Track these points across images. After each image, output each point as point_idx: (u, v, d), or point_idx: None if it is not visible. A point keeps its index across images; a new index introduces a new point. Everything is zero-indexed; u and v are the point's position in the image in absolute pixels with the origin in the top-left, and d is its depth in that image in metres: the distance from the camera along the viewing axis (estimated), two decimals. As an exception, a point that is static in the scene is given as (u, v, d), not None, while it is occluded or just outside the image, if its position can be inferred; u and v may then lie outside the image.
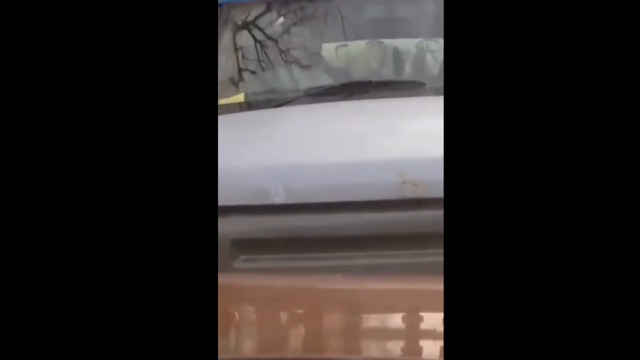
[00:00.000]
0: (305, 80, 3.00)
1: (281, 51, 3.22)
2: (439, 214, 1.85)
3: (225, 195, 1.47)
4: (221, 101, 3.02)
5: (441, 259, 1.87)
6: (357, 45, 4.09)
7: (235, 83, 3.12)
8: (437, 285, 1.61)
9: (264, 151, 1.99)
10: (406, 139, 1.98)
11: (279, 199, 1.79)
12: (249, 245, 1.74)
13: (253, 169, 1.78)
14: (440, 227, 1.94)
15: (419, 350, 1.40)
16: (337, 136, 2.08)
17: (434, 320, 1.53)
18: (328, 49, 3.92)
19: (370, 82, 2.95)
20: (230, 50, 3.24)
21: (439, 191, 1.84)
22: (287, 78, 3.07)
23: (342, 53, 4.12)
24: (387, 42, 3.76)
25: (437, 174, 1.83)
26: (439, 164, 1.88)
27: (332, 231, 1.80)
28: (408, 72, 3.34)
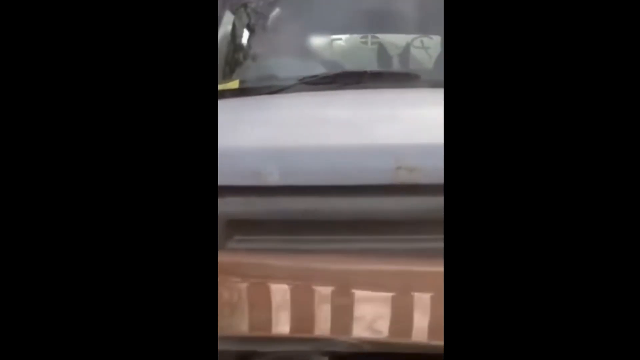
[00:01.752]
0: (300, 70, 3.01)
1: (276, 40, 3.23)
2: (433, 200, 1.86)
3: (221, 176, 1.47)
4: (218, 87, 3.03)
5: (435, 244, 1.88)
6: (352, 39, 4.11)
7: (231, 69, 3.13)
8: (431, 267, 1.63)
9: (260, 133, 1.99)
10: (402, 125, 1.99)
11: (273, 180, 1.80)
12: (243, 226, 1.74)
13: (249, 150, 1.79)
14: (434, 213, 1.96)
15: (410, 331, 1.40)
16: (334, 121, 2.09)
17: (426, 301, 1.53)
18: (323, 41, 3.94)
19: (365, 72, 2.95)
20: (226, 36, 3.24)
21: (434, 177, 1.86)
22: (281, 66, 3.08)
23: (337, 45, 4.14)
24: (382, 37, 3.78)
25: (432, 161, 1.85)
26: (434, 151, 1.90)
27: (327, 214, 1.80)
28: (401, 66, 3.35)
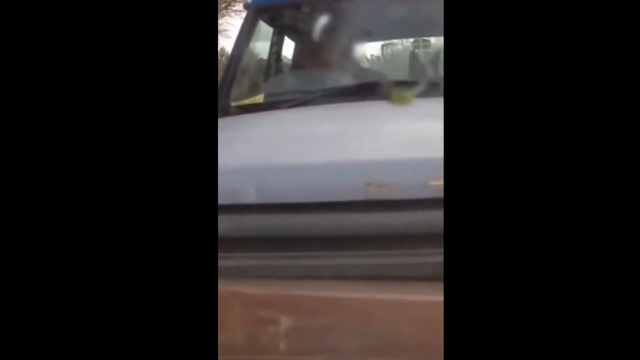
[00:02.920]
0: (332, 81, 3.02)
1: (314, 51, 3.25)
2: (406, 215, 1.87)
3: None
4: (245, 101, 3.09)
5: (407, 260, 1.90)
6: (403, 44, 4.11)
7: (263, 83, 3.18)
8: (409, 294, 1.64)
9: (237, 152, 2.04)
10: (376, 141, 2.00)
11: (249, 199, 1.84)
12: (222, 243, 1.80)
13: (227, 170, 1.84)
14: (406, 228, 1.97)
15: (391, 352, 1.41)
16: (311, 138, 2.11)
17: (410, 326, 1.55)
18: (372, 48, 3.96)
19: (384, 82, 2.94)
20: (259, 50, 3.29)
21: (404, 193, 1.87)
22: (311, 78, 3.10)
23: (388, 52, 4.15)
24: (435, 40, 3.77)
25: (402, 176, 1.86)
26: (405, 166, 1.91)
27: (301, 231, 1.84)
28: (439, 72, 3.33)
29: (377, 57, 3.89)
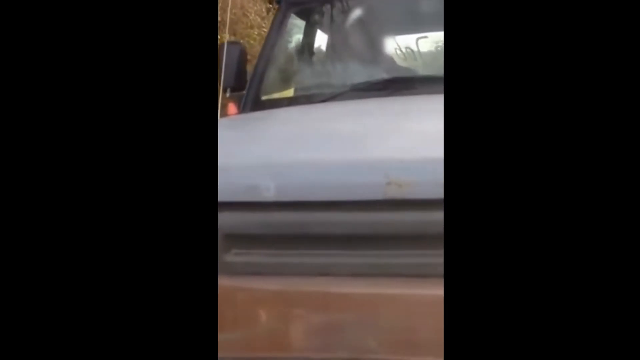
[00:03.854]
0: (363, 76, 3.01)
1: (345, 44, 3.24)
2: (426, 215, 1.86)
3: (219, 192, 1.55)
4: (274, 95, 3.09)
5: (424, 260, 1.89)
6: (439, 36, 4.06)
7: (294, 75, 3.17)
8: (423, 289, 1.64)
9: (256, 150, 2.05)
10: (396, 139, 1.99)
11: (269, 195, 1.84)
12: (237, 240, 1.81)
13: (246, 166, 1.85)
14: (424, 228, 1.95)
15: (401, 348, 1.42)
16: (332, 135, 2.11)
17: (419, 320, 1.54)
18: (406, 41, 3.91)
19: (414, 77, 2.93)
20: (290, 44, 3.29)
21: (424, 192, 1.86)
22: (341, 72, 3.09)
23: (423, 44, 4.10)
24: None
25: (423, 175, 1.84)
26: (426, 165, 1.89)
27: (320, 229, 1.84)
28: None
29: (412, 50, 3.83)
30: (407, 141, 1.96)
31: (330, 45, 3.38)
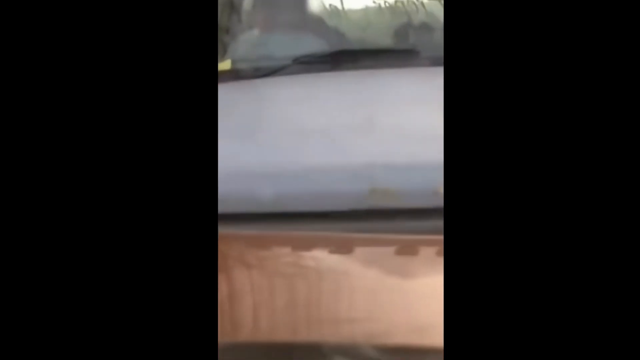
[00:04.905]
0: (299, 47, 2.82)
1: (278, 11, 3.03)
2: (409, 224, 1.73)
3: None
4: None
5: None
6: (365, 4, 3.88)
7: (224, 47, 2.94)
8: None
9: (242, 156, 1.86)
10: (379, 139, 1.83)
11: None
12: None
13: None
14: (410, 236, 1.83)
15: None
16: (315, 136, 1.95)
17: (412, 312, 1.44)
18: (332, 10, 3.71)
19: (361, 50, 2.77)
20: (224, 7, 3.04)
21: (409, 200, 1.73)
22: (279, 43, 2.89)
23: (349, 13, 3.92)
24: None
25: (409, 182, 1.71)
26: (412, 171, 1.76)
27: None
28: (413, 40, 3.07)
29: (336, 7, 3.47)
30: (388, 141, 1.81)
31: (265, 12, 3.14)
